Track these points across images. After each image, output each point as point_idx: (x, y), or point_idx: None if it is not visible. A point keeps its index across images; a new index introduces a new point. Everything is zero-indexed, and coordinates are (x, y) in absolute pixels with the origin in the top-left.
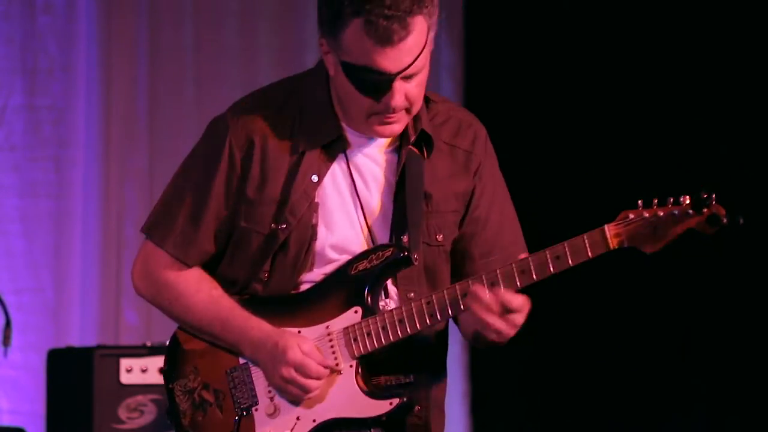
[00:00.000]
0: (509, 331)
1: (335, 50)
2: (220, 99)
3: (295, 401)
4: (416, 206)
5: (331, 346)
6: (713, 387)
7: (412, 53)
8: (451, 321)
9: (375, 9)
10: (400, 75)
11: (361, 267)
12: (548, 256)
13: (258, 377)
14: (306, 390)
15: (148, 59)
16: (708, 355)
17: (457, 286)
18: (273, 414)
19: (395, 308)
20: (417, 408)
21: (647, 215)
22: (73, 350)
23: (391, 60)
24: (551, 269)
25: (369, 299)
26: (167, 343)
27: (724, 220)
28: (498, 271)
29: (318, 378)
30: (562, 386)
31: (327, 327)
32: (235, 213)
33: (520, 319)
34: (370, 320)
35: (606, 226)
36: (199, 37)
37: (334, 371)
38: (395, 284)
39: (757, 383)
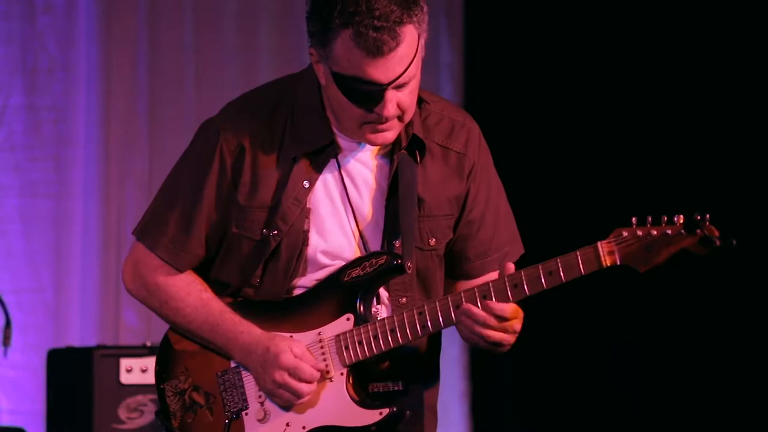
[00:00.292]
0: (510, 339)
1: (325, 60)
2: (219, 99)
3: (286, 407)
4: (409, 212)
5: (323, 353)
6: (711, 387)
7: (403, 63)
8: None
9: (364, 20)
10: (392, 85)
11: (354, 274)
12: (541, 271)
13: (249, 381)
14: (298, 394)
15: (148, 59)
16: (708, 355)
17: (449, 299)
18: (263, 419)
19: (387, 317)
20: (408, 413)
21: (640, 234)
22: (73, 350)
23: (382, 71)
24: (544, 284)
25: (361, 307)
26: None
27: (717, 243)
28: (490, 285)
29: (311, 381)
30: (562, 386)
31: (319, 333)
32: (227, 218)
33: (518, 325)
34: (362, 328)
35: (599, 244)
36: (198, 36)
37: (326, 377)
38: (387, 289)
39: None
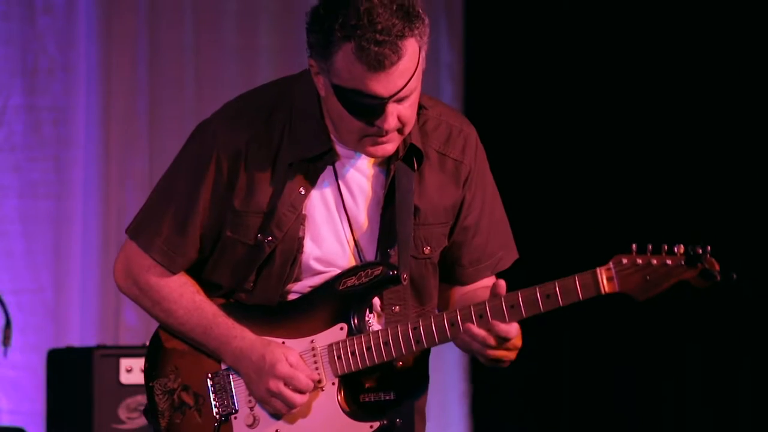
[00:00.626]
0: (510, 356)
1: (326, 73)
2: (219, 99)
3: (277, 415)
4: (405, 221)
5: (315, 362)
6: (709, 390)
7: (405, 76)
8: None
9: (366, 34)
10: (393, 98)
11: (349, 283)
12: (538, 294)
13: (239, 385)
14: (291, 404)
15: (147, 59)
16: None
17: (444, 316)
18: (252, 424)
19: (381, 330)
20: (398, 422)
21: (640, 262)
22: (73, 350)
23: (383, 84)
24: (541, 308)
25: (355, 317)
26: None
27: (718, 277)
28: (487, 305)
29: (305, 392)
30: (561, 386)
31: (312, 341)
32: (221, 222)
33: (519, 341)
34: (355, 339)
35: (598, 270)
36: (198, 36)
37: (317, 387)
38: (380, 297)
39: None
